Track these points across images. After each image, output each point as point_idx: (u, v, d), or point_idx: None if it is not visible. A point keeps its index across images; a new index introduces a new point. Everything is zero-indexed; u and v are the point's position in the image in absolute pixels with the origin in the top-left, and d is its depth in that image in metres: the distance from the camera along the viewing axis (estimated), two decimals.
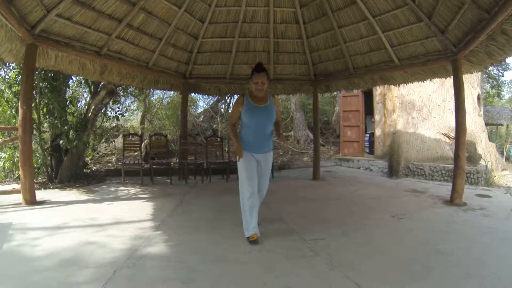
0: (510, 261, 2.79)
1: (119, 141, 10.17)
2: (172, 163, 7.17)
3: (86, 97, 9.13)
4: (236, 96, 13.33)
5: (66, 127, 6.17)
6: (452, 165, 5.36)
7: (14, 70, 6.06)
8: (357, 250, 3.08)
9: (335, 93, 13.19)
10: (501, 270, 2.61)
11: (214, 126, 13.43)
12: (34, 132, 5.71)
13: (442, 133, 8.37)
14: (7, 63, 6.15)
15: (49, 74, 5.96)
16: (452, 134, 7.48)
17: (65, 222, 3.74)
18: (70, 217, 3.97)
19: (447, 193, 5.30)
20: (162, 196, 5.47)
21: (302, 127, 13.58)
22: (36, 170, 6.26)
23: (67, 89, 7.05)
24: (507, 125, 13.29)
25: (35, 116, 5.87)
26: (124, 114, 9.08)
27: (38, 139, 6.06)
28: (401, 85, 7.06)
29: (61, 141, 6.23)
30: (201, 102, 16.19)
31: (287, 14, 6.89)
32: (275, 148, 10.72)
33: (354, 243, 3.28)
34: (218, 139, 8.23)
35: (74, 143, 6.15)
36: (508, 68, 18.38)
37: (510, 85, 23.17)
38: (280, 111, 3.59)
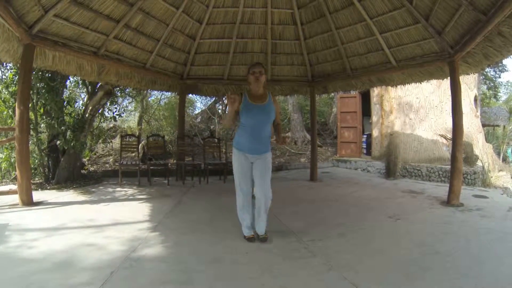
0: (507, 261, 2.80)
1: (116, 142, 10.13)
2: (169, 164, 7.15)
3: (84, 97, 9.10)
4: None
5: (63, 128, 6.13)
6: (449, 166, 5.38)
7: (11, 70, 6.03)
8: (355, 251, 3.09)
9: (332, 94, 13.21)
10: (498, 270, 2.62)
11: (212, 127, 13.43)
12: (31, 132, 5.69)
13: (439, 134, 8.40)
14: (4, 63, 6.13)
15: (47, 75, 5.94)
16: (449, 135, 7.51)
17: (62, 223, 3.72)
18: (67, 218, 3.95)
19: (444, 194, 5.33)
20: (159, 197, 5.45)
21: (300, 128, 13.59)
22: (33, 170, 6.24)
23: (65, 90, 7.02)
24: (504, 126, 13.33)
25: (32, 116, 5.85)
26: (122, 115, 9.05)
27: (35, 140, 6.04)
28: (399, 87, 7.08)
29: (58, 142, 6.20)
30: (199, 103, 16.18)
31: (284, 15, 6.89)
32: (272, 149, 10.71)
33: (352, 244, 3.29)
34: (216, 140, 8.23)
35: (71, 144, 6.12)
36: (505, 70, 18.49)
37: (506, 87, 23.37)
38: (280, 112, 3.45)
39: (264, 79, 3.25)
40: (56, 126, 6.05)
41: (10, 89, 5.87)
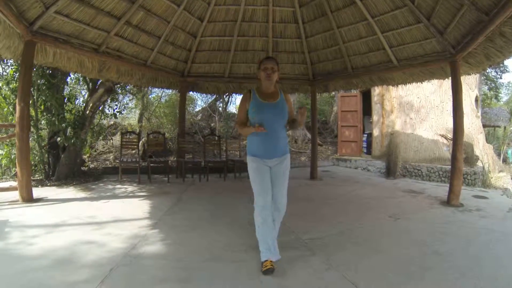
0: (506, 262, 2.81)
1: (116, 139, 10.13)
2: (169, 162, 7.16)
3: (84, 94, 9.12)
4: (234, 95, 13.38)
5: (63, 125, 6.14)
6: (449, 166, 5.38)
7: (12, 67, 6.03)
8: (354, 250, 3.09)
9: (333, 93, 13.19)
10: (497, 271, 2.63)
11: (212, 124, 13.42)
12: (32, 129, 5.69)
13: (440, 134, 8.39)
14: (5, 60, 6.13)
15: (47, 71, 5.95)
16: (450, 135, 7.51)
17: (62, 220, 3.73)
18: (67, 215, 3.95)
19: (444, 194, 5.33)
20: (159, 194, 5.45)
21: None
22: (33, 167, 6.24)
23: (65, 86, 7.03)
24: (505, 127, 13.34)
25: (32, 113, 5.85)
26: (122, 112, 9.04)
27: (35, 136, 6.04)
28: (400, 86, 7.07)
29: (59, 139, 6.21)
30: (199, 101, 16.20)
31: (286, 14, 6.88)
32: None
33: (351, 243, 3.29)
34: (216, 137, 8.22)
35: (72, 141, 6.13)
36: (506, 70, 18.44)
37: (508, 87, 23.27)
38: (293, 109, 3.04)
39: (276, 77, 2.88)
40: (56, 123, 6.05)
41: (11, 86, 5.87)
